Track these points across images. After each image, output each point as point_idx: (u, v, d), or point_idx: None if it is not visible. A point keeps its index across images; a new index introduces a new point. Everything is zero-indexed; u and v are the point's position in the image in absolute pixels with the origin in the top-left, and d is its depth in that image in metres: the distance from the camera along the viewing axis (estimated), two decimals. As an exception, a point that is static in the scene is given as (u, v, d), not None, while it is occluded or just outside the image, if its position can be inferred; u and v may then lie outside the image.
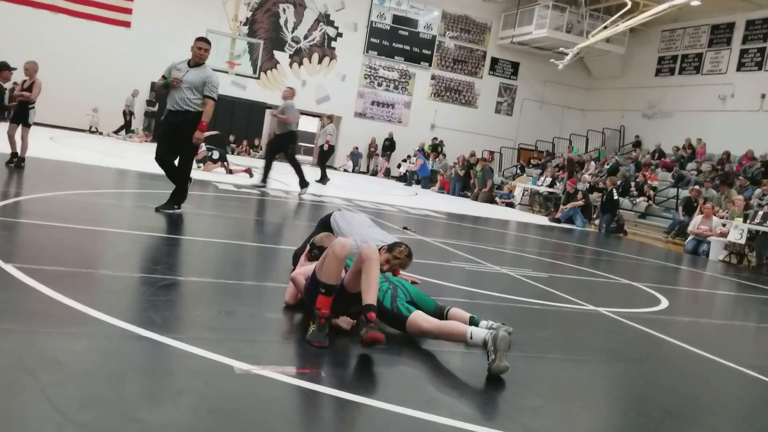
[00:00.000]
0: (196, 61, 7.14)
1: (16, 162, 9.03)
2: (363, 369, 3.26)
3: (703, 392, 3.82)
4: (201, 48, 7.13)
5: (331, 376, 3.04)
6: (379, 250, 4.41)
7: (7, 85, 10.43)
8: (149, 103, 22.14)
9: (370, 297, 3.48)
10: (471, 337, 3.51)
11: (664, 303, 6.38)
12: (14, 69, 9.24)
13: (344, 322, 3.78)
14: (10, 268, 3.85)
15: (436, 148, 24.79)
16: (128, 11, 21.88)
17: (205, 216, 7.80)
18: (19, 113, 9.17)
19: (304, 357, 3.26)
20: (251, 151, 23.39)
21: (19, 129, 9.11)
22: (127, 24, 21.88)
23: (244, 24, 22.75)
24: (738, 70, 21.08)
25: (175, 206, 7.28)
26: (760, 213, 11.35)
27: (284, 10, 23.85)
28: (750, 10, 20.47)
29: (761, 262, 11.44)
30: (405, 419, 2.67)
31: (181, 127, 6.95)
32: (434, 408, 2.84)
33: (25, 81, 9.29)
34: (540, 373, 3.65)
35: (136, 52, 21.56)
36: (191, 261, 5.32)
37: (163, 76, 7.20)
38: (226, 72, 20.57)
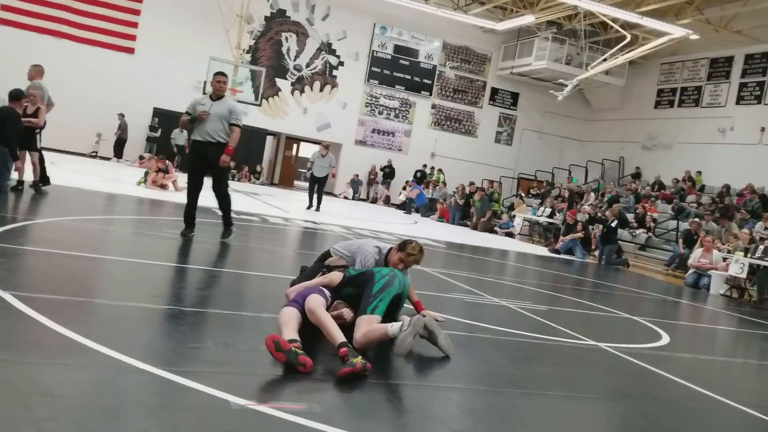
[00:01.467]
0: (218, 94, 7.61)
1: (36, 186, 9.10)
2: (360, 403, 3.22)
3: (698, 427, 3.77)
4: (220, 81, 7.70)
5: (328, 410, 3.00)
6: (390, 250, 4.67)
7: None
8: (152, 128, 22.22)
9: (336, 338, 3.68)
10: (391, 327, 3.81)
11: (665, 338, 6.33)
12: (27, 96, 9.30)
13: (346, 314, 4.11)
14: (7, 296, 3.82)
15: (425, 176, 24.83)
16: (132, 38, 22.13)
17: (205, 244, 7.78)
18: (26, 139, 9.21)
19: (301, 392, 3.22)
20: (252, 177, 23.45)
21: (28, 155, 9.15)
22: (130, 50, 22.10)
23: (247, 52, 22.99)
24: (737, 103, 21.24)
25: (232, 228, 8.08)
26: (761, 247, 11.33)
27: (287, 39, 24.12)
28: (748, 44, 20.71)
29: (762, 297, 11.39)
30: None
31: (216, 157, 7.48)
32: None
33: (27, 107, 9.34)
34: (539, 411, 3.60)
35: (139, 78, 21.75)
36: (189, 291, 5.29)
37: (187, 112, 7.62)
38: (229, 99, 20.72)
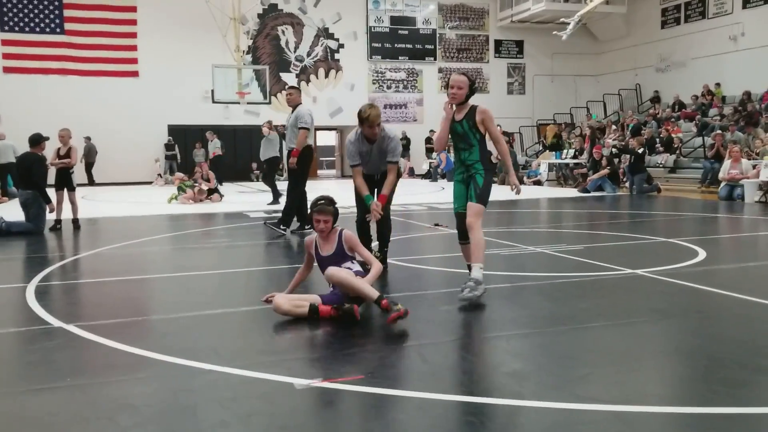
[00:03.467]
0: (291, 106, 8.58)
1: (75, 224, 9.49)
2: (412, 364, 3.41)
3: (749, 336, 3.88)
4: (287, 93, 8.80)
5: (386, 376, 3.20)
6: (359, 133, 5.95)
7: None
8: (168, 147, 22.61)
9: (371, 294, 4.10)
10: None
11: (702, 254, 6.41)
12: (47, 138, 9.64)
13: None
14: (72, 328, 4.10)
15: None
16: (134, 61, 22.46)
17: (240, 247, 8.04)
18: (63, 179, 9.60)
19: (354, 364, 3.44)
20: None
21: (66, 194, 9.54)
22: (135, 74, 22.46)
23: (247, 53, 23.14)
24: (744, 7, 20.69)
25: (282, 227, 8.45)
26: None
27: (283, 32, 24.20)
28: (746, -56, 20.13)
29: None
30: (465, 406, 2.82)
31: (288, 162, 8.43)
32: (482, 391, 2.99)
33: (60, 148, 9.71)
34: (584, 342, 3.77)
35: (148, 99, 22.11)
36: (233, 292, 5.54)
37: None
38: (238, 103, 20.95)
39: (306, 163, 8.44)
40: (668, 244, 7.34)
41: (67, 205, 9.59)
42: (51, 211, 9.30)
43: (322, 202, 4.49)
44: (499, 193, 16.29)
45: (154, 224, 10.86)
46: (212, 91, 20.20)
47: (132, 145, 21.97)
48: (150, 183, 21.66)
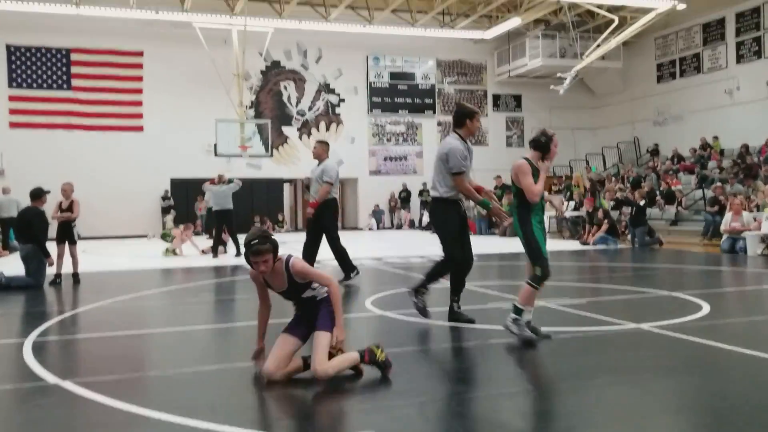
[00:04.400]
0: (317, 160, 8.78)
1: (75, 279, 9.43)
2: (411, 420, 3.33)
3: (755, 392, 3.80)
4: (314, 147, 8.97)
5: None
6: None
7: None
8: (164, 198, 22.73)
9: (353, 357, 4.07)
10: None
11: (706, 308, 6.34)
12: (48, 192, 9.68)
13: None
14: (68, 385, 4.03)
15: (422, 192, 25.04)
16: (139, 116, 22.81)
17: (239, 301, 7.98)
18: (64, 233, 9.60)
19: (355, 421, 3.35)
20: (275, 227, 23.80)
21: (67, 248, 9.51)
22: (139, 128, 22.77)
23: (250, 107, 23.53)
24: (738, 62, 21.13)
25: (351, 274, 8.86)
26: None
27: (285, 88, 24.64)
28: (737, 3, 20.67)
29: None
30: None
31: (316, 216, 8.62)
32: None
33: (62, 202, 9.74)
34: (588, 399, 3.69)
35: (151, 152, 22.36)
36: (231, 348, 5.46)
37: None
38: (240, 156, 21.19)
39: (333, 214, 8.93)
40: (672, 298, 7.28)
41: (67, 259, 9.55)
42: (50, 264, 9.26)
43: (255, 242, 3.98)
44: (501, 245, 16.32)
45: (153, 278, 10.82)
46: (215, 144, 20.44)
47: (133, 198, 22.08)
48: (148, 236, 21.68)
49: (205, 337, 5.83)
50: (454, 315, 5.86)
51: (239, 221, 17.79)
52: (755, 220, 12.13)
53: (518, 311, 5.01)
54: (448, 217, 5.91)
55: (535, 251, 5.11)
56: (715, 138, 21.20)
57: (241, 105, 21.17)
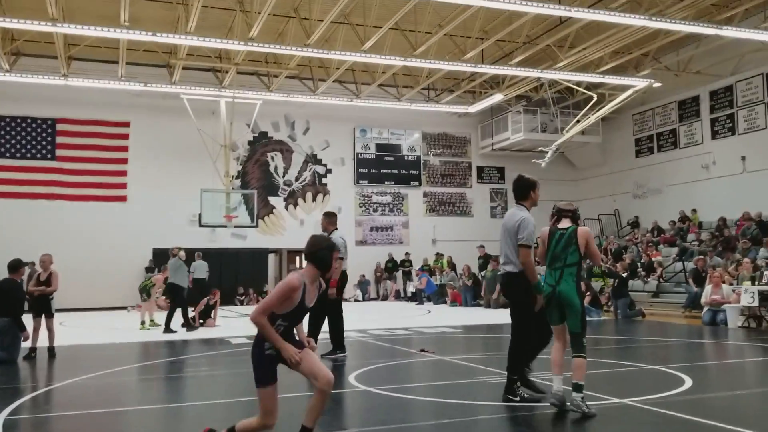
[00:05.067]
0: (324, 233, 8.76)
1: (51, 353, 9.18)
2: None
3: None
4: (322, 222, 9.10)
5: None
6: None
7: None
8: (148, 269, 22.39)
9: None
10: None
11: (688, 382, 6.34)
12: (27, 264, 9.54)
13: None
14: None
15: (395, 265, 25.13)
16: (123, 186, 22.78)
17: (220, 377, 7.85)
18: (41, 305, 9.39)
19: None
20: (259, 298, 23.61)
21: (43, 321, 9.30)
22: (123, 198, 22.73)
23: (236, 177, 23.73)
24: (713, 138, 21.78)
25: (339, 353, 8.69)
26: (766, 273, 11.39)
27: (272, 158, 24.97)
28: (710, 82, 21.47)
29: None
30: None
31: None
32: None
33: (40, 274, 9.58)
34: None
35: (135, 222, 22.20)
36: (209, 425, 5.34)
37: None
38: (225, 226, 21.19)
39: (342, 287, 8.89)
40: (654, 372, 7.27)
41: (43, 332, 9.30)
42: (25, 339, 8.99)
43: (326, 242, 4.21)
44: (486, 317, 16.27)
45: (131, 352, 10.62)
46: (200, 214, 20.50)
47: (115, 269, 21.80)
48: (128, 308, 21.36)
49: (182, 414, 5.71)
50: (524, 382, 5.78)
51: (223, 292, 17.69)
52: (734, 292, 12.25)
53: (579, 388, 5.15)
54: (529, 295, 5.62)
55: (585, 322, 5.32)
56: (694, 211, 21.61)
57: (227, 175, 21.36)
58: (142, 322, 13.82)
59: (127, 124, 22.96)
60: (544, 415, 5.17)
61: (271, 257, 25.68)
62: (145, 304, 14.51)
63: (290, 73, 21.60)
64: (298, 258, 27.27)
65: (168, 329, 12.60)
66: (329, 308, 8.66)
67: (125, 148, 22.95)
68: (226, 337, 11.92)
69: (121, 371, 8.05)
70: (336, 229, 8.97)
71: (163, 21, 18.16)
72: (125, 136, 23.01)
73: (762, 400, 5.77)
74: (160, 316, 14.00)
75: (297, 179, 25.22)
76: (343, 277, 8.89)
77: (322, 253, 4.06)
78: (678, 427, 4.78)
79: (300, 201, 25.11)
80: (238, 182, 23.76)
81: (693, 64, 20.96)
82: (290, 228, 24.73)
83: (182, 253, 13.51)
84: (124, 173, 22.89)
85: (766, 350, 9.12)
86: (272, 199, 24.74)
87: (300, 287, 3.96)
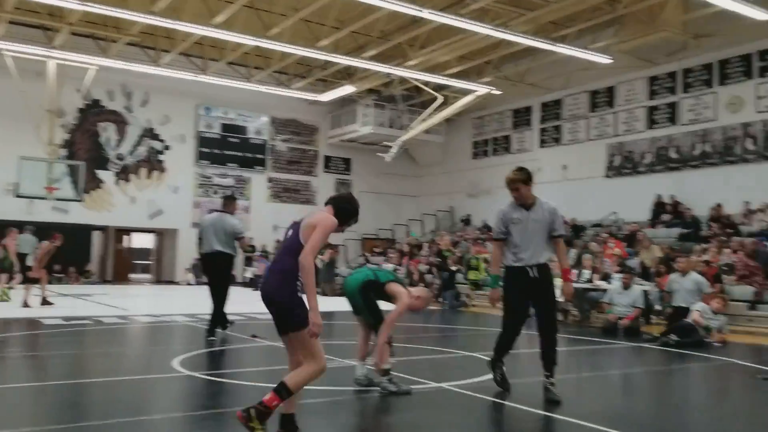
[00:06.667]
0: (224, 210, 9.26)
1: None
2: None
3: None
4: (226, 206, 9.48)
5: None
6: None
7: None
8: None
9: None
10: None
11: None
12: None
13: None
14: None
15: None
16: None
17: (35, 359, 7.18)
18: None
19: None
20: (80, 278, 21.97)
21: None
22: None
23: (62, 146, 21.80)
24: (541, 146, 23.61)
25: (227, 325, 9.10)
26: (574, 271, 12.53)
27: (105, 129, 23.23)
28: (542, 94, 23.21)
29: (584, 316, 12.56)
30: None
31: (221, 265, 9.00)
32: None
33: None
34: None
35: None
36: (29, 412, 4.87)
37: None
38: (44, 198, 19.36)
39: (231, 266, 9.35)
40: (472, 358, 7.71)
41: None
42: None
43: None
44: (321, 304, 16.36)
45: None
46: (16, 184, 18.61)
47: None
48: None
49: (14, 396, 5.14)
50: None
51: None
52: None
53: (387, 372, 5.48)
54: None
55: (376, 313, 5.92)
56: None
57: (51, 143, 19.57)
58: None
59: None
60: (368, 398, 5.28)
61: (96, 234, 23.95)
62: None
63: (132, 41, 20.22)
64: (126, 237, 25.74)
65: None
66: (222, 289, 9.01)
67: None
68: (38, 317, 10.93)
69: None
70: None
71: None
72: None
73: (562, 385, 6.32)
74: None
75: (131, 154, 23.72)
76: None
77: (349, 207, 4.15)
78: (487, 409, 5.10)
79: (133, 177, 23.64)
80: (63, 152, 21.87)
81: (529, 76, 22.50)
82: (120, 205, 23.24)
83: None
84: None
85: (568, 340, 10.03)
86: (101, 173, 23.05)
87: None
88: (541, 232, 5.51)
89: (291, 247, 3.92)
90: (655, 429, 4.68)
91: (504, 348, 5.66)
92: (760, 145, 17.16)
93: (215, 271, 8.99)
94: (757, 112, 17.30)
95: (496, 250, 5.87)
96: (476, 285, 17.20)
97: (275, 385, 3.83)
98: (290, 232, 4.05)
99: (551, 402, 5.23)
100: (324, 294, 19.67)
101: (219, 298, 8.96)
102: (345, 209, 4.14)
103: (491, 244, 5.76)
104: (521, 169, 5.66)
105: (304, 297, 3.84)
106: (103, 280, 23.49)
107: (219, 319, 8.96)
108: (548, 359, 5.44)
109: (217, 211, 9.41)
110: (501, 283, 5.67)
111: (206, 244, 8.90)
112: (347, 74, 23.75)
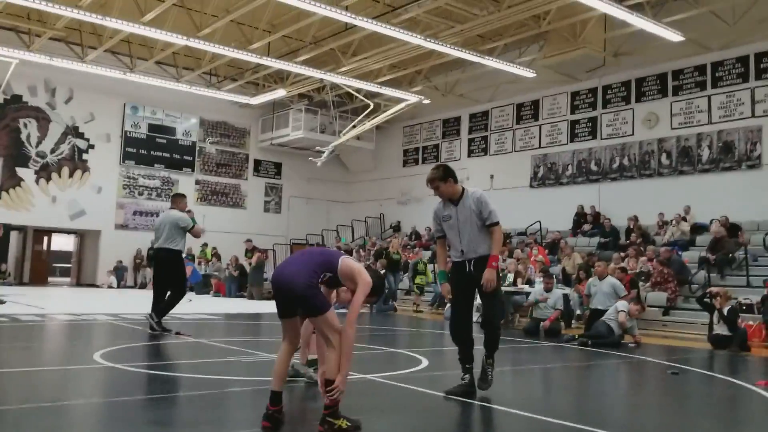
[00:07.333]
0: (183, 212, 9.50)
1: None
2: None
3: (456, 429, 4.34)
4: (177, 204, 9.53)
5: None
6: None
7: None
8: None
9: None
10: None
11: (425, 362, 7.06)
12: None
13: None
14: None
15: (204, 252, 24.45)
16: None
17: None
18: None
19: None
20: (-4, 279, 20.99)
21: None
22: None
23: (-21, 142, 20.87)
24: (469, 156, 24.26)
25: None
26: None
27: (25, 125, 22.36)
28: (470, 105, 23.89)
29: (506, 318, 13.04)
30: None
31: (171, 263, 9.21)
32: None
33: None
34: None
35: None
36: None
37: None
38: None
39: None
40: (399, 354, 7.94)
41: None
42: None
43: None
44: (245, 306, 16.26)
45: None
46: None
47: None
48: None
49: None
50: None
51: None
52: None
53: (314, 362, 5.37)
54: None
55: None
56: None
57: (-33, 137, 18.67)
58: None
59: None
60: (295, 387, 5.40)
61: (14, 235, 22.94)
62: None
63: (56, 35, 19.60)
64: (45, 237, 24.79)
65: None
66: (176, 286, 9.32)
67: None
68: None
69: None
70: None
71: None
72: None
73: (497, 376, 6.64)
74: None
75: (53, 152, 22.89)
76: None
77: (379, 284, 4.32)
78: (411, 397, 5.31)
79: (54, 176, 22.81)
80: (-21, 147, 20.91)
81: (458, 87, 23.13)
82: (40, 204, 22.37)
83: None
84: None
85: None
86: (21, 171, 22.15)
87: None
88: (471, 224, 5.52)
89: (324, 263, 4.12)
90: (574, 415, 5.01)
91: (460, 351, 5.62)
92: (674, 159, 18.25)
93: (159, 267, 9.40)
94: (671, 128, 18.41)
95: (438, 248, 6.01)
96: (422, 290, 17.51)
97: (319, 387, 4.07)
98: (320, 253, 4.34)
99: (481, 381, 5.48)
100: (251, 297, 19.60)
101: (161, 292, 9.31)
102: (377, 287, 4.25)
103: (434, 246, 6.02)
104: (437, 167, 5.66)
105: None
106: (20, 282, 22.52)
107: (157, 311, 9.20)
108: (487, 346, 5.70)
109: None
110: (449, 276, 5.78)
111: (156, 242, 9.44)
112: (279, 78, 23.74)
